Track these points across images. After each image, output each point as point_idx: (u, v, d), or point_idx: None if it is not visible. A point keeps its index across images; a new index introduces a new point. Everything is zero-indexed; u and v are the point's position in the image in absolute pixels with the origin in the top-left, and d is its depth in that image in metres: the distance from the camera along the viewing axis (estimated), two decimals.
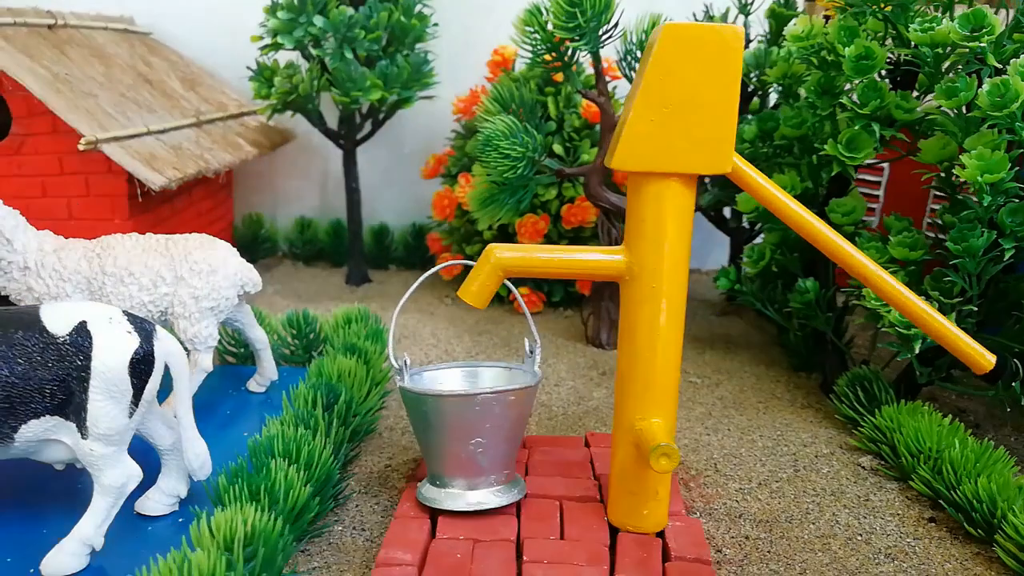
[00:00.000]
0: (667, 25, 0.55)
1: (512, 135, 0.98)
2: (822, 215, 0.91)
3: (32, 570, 0.59)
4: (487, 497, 0.67)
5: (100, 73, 1.19)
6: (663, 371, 0.62)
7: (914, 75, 0.85)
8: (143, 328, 0.61)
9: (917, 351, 0.77)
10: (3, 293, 0.81)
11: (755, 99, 1.21)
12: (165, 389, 0.70)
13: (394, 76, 1.26)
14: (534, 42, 1.00)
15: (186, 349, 0.81)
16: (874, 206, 1.20)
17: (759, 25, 1.23)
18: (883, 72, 0.86)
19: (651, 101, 0.56)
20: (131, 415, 0.60)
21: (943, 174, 0.81)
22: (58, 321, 0.59)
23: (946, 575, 0.63)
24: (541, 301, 1.28)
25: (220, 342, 0.98)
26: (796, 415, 0.92)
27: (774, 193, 0.54)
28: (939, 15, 0.76)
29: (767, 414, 0.92)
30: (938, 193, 1.04)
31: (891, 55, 0.85)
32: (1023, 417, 0.91)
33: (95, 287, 0.80)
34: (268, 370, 0.91)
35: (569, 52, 1.02)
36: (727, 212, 1.34)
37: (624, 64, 1.02)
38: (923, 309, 0.40)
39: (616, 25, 0.95)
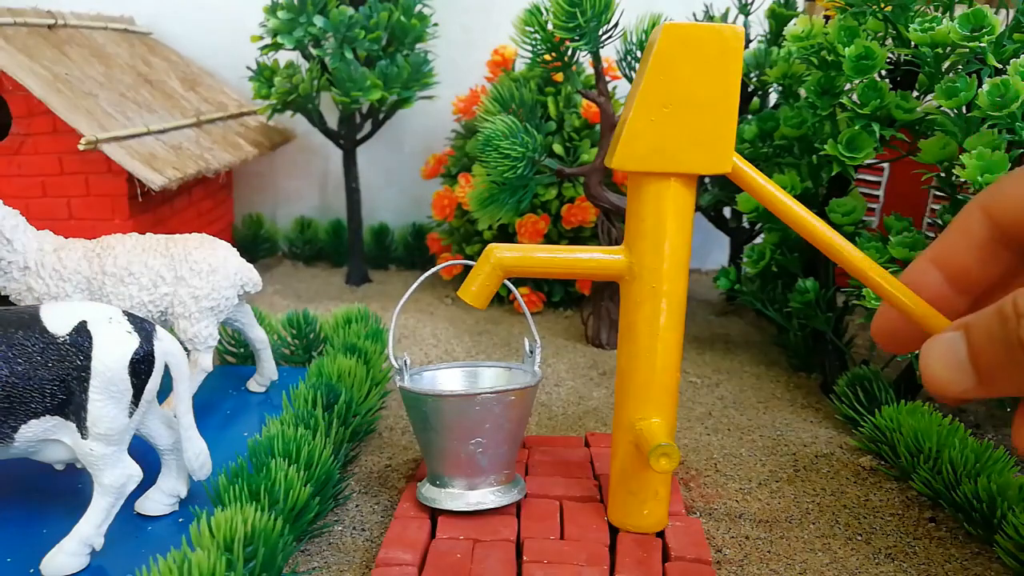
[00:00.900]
0: (667, 25, 0.55)
1: (512, 135, 0.98)
2: (822, 215, 0.91)
3: (32, 570, 0.59)
4: (487, 497, 0.67)
5: (100, 73, 1.19)
6: (663, 371, 0.62)
7: (914, 75, 0.85)
8: (143, 328, 0.61)
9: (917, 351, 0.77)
10: (3, 293, 0.81)
11: (755, 99, 1.21)
12: (165, 389, 0.70)
13: (394, 76, 1.26)
14: (534, 42, 1.00)
15: (186, 349, 0.81)
16: (874, 206, 1.20)
17: (759, 25, 1.23)
18: (883, 72, 0.86)
19: (651, 101, 0.56)
20: (131, 415, 0.60)
21: (943, 174, 0.81)
22: (58, 321, 0.59)
23: (946, 575, 0.63)
24: (541, 301, 1.28)
25: (220, 342, 0.98)
26: (796, 415, 0.92)
27: (774, 193, 0.54)
28: (939, 15, 0.76)
29: (767, 414, 0.92)
30: (938, 193, 1.04)
31: (891, 55, 0.85)
32: None
33: (95, 287, 0.80)
34: (268, 370, 0.91)
35: (569, 52, 1.02)
36: (727, 212, 1.34)
37: (624, 64, 1.02)
38: (928, 312, 0.40)
39: (616, 25, 0.95)
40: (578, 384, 1.00)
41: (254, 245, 1.54)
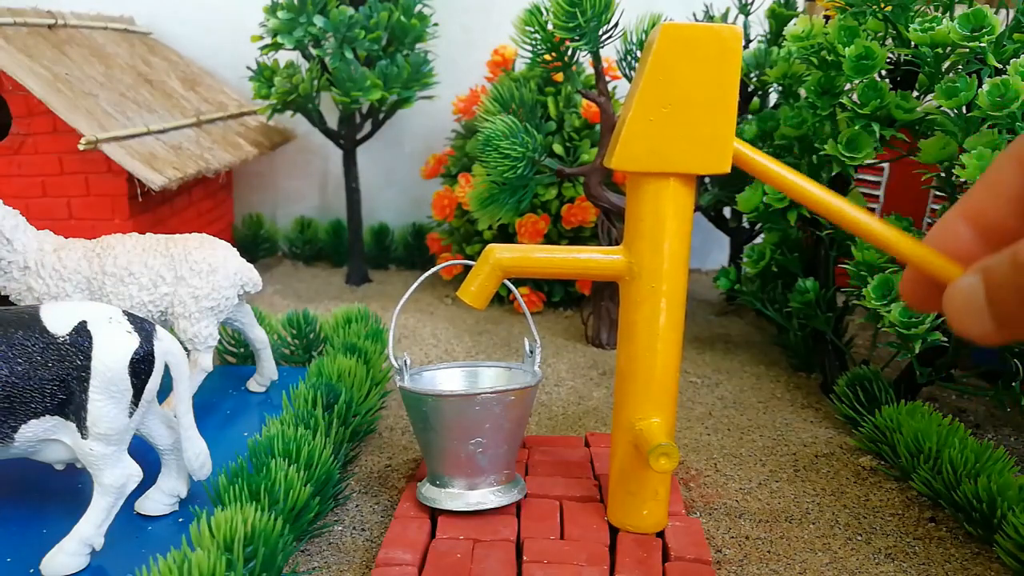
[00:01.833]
0: (666, 25, 0.55)
1: (512, 135, 0.98)
2: None
3: (32, 570, 0.59)
4: (487, 497, 0.67)
5: (100, 73, 1.19)
6: (663, 371, 0.62)
7: (914, 75, 0.85)
8: (143, 328, 0.61)
9: (917, 351, 0.77)
10: (3, 293, 0.81)
11: (755, 99, 1.21)
12: (165, 389, 0.70)
13: (394, 76, 1.26)
14: (534, 42, 1.00)
15: (186, 349, 0.81)
16: (874, 206, 1.20)
17: (759, 25, 1.23)
18: (883, 72, 0.86)
19: (650, 101, 0.56)
20: (131, 415, 0.60)
21: (943, 174, 0.81)
22: (58, 321, 0.59)
23: (946, 575, 0.63)
24: (541, 301, 1.28)
25: (220, 342, 0.98)
26: (796, 415, 0.92)
27: (781, 172, 0.53)
28: (939, 15, 0.76)
29: (767, 414, 0.92)
30: (938, 193, 1.04)
31: (891, 55, 0.85)
32: (1023, 417, 0.91)
33: (95, 287, 0.80)
34: (268, 370, 0.91)
35: (569, 52, 1.02)
36: (727, 212, 1.34)
37: (624, 64, 1.02)
38: (954, 269, 0.39)
39: (616, 25, 0.95)
40: (578, 384, 1.00)
41: (254, 245, 1.54)
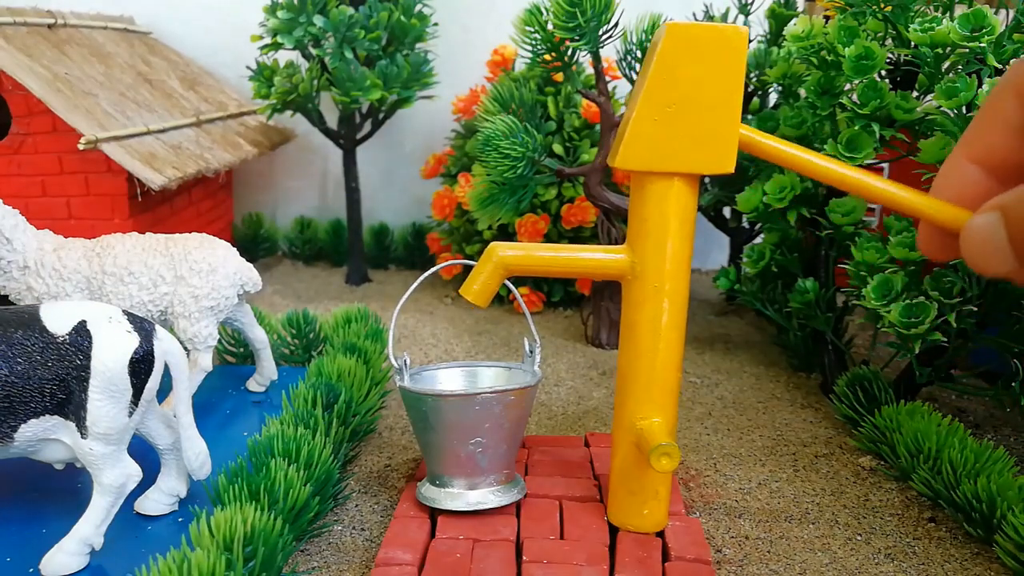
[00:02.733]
0: (670, 25, 0.55)
1: (512, 135, 0.98)
2: (822, 215, 0.91)
3: (32, 570, 0.59)
4: (487, 497, 0.67)
5: (100, 73, 1.19)
6: (664, 370, 0.62)
7: (914, 75, 0.85)
8: (143, 327, 0.61)
9: (917, 351, 0.77)
10: (3, 292, 0.81)
11: (755, 99, 1.21)
12: (165, 389, 0.69)
13: (394, 76, 1.26)
14: (534, 42, 1.00)
15: (186, 349, 0.81)
16: (874, 206, 1.20)
17: (759, 25, 1.23)
18: (883, 72, 0.86)
19: (654, 101, 0.56)
20: (131, 415, 0.60)
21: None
22: (58, 320, 0.59)
23: (946, 575, 0.63)
24: (541, 301, 1.28)
25: (220, 342, 0.98)
26: (796, 415, 0.92)
27: (787, 150, 0.54)
28: (939, 15, 0.76)
29: (767, 414, 0.92)
30: None
31: (891, 55, 0.85)
32: (1023, 417, 0.91)
33: (95, 286, 0.80)
34: (268, 370, 0.91)
35: (569, 52, 1.02)
36: (727, 212, 1.34)
37: (624, 64, 1.02)
38: (964, 216, 0.39)
39: (616, 25, 0.95)
40: (578, 384, 1.00)
41: (254, 245, 1.54)
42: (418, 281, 0.73)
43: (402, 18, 1.25)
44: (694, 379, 1.02)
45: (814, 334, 1.01)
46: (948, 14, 0.79)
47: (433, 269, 0.73)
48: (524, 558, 0.61)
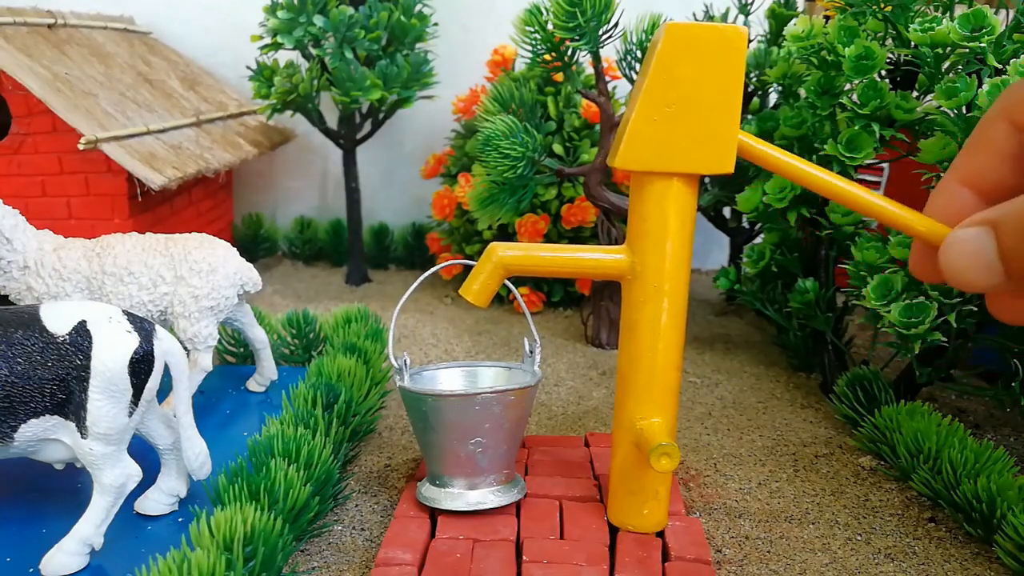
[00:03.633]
0: (670, 25, 0.55)
1: (512, 135, 0.98)
2: (822, 215, 0.91)
3: (32, 569, 0.59)
4: (487, 497, 0.67)
5: (100, 73, 1.19)
6: (664, 370, 0.62)
7: (914, 75, 0.85)
8: (143, 327, 0.61)
9: (917, 351, 0.77)
10: (3, 292, 0.81)
11: (755, 99, 1.21)
12: (165, 389, 0.70)
13: (394, 76, 1.26)
14: (534, 42, 1.00)
15: (186, 348, 0.81)
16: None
17: (759, 25, 1.23)
18: (883, 72, 0.86)
19: (654, 100, 0.56)
20: (131, 415, 0.60)
21: (943, 174, 0.81)
22: (58, 320, 0.59)
23: (946, 575, 0.63)
24: (541, 301, 1.28)
25: (220, 342, 0.98)
26: (796, 415, 0.92)
27: (784, 159, 0.54)
28: (939, 15, 0.76)
29: (767, 414, 0.92)
30: None
31: (891, 55, 0.85)
32: (1023, 417, 0.91)
33: (95, 286, 0.80)
34: (268, 370, 0.91)
35: (569, 52, 1.02)
36: (727, 212, 1.34)
37: (624, 64, 1.02)
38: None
39: (616, 25, 0.95)
40: (578, 384, 1.00)
41: (254, 245, 1.54)
42: (418, 281, 0.73)
43: (402, 18, 1.25)
44: (694, 379, 1.02)
45: (814, 334, 1.01)
46: (948, 14, 0.79)
47: (433, 269, 0.73)
48: (524, 558, 0.61)
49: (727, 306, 1.33)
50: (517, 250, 0.62)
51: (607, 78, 1.14)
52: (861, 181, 1.20)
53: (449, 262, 0.72)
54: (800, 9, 1.19)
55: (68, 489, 0.70)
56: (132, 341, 0.60)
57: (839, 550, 0.66)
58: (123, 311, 0.62)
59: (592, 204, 1.07)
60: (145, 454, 0.67)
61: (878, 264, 0.81)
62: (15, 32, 1.10)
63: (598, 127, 1.22)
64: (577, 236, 1.26)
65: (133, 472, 0.61)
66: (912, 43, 0.78)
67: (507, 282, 0.70)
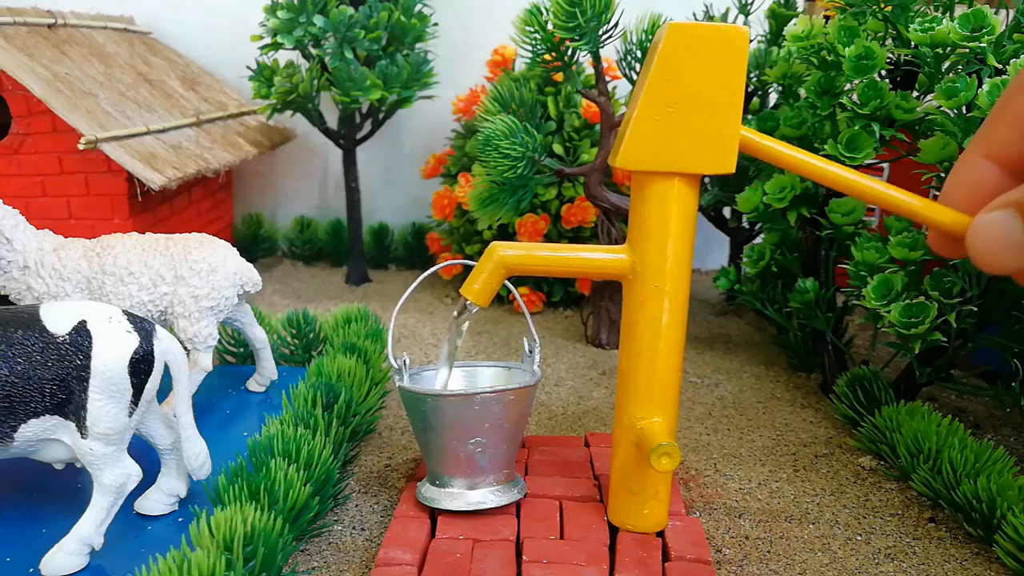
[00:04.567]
0: (671, 24, 0.55)
1: (512, 135, 0.98)
2: (822, 215, 0.91)
3: (31, 569, 0.59)
4: (487, 497, 0.67)
5: (100, 72, 1.19)
6: (664, 370, 0.62)
7: (914, 75, 0.85)
8: (143, 327, 0.61)
9: (917, 351, 0.77)
10: (3, 292, 0.81)
11: (755, 99, 1.21)
12: (165, 389, 0.70)
13: (394, 76, 1.26)
14: (534, 42, 1.00)
15: (186, 348, 0.81)
16: (874, 206, 1.20)
17: (759, 25, 1.23)
18: (883, 72, 0.86)
19: (655, 100, 0.56)
20: (131, 414, 0.60)
21: (943, 174, 0.81)
22: (58, 320, 0.59)
23: (946, 575, 0.63)
24: (541, 301, 1.28)
25: (220, 342, 0.98)
26: (796, 415, 0.92)
27: (788, 153, 0.54)
28: (939, 15, 0.76)
29: (767, 414, 0.92)
30: (938, 193, 1.04)
31: (891, 55, 0.85)
32: (1023, 417, 0.91)
33: (95, 286, 0.80)
34: (268, 370, 0.91)
35: (569, 52, 1.02)
36: (727, 212, 1.34)
37: (624, 64, 1.02)
38: (965, 220, 0.40)
39: (616, 25, 0.95)
40: (578, 384, 1.00)
41: (254, 245, 1.54)
42: (418, 281, 0.73)
43: (402, 18, 1.25)
44: (694, 379, 1.02)
45: (814, 334, 1.01)
46: (948, 14, 0.79)
47: (433, 269, 0.73)
48: (524, 558, 0.61)
49: (727, 306, 1.33)
50: (517, 250, 0.62)
51: (607, 78, 1.14)
52: None
53: (449, 262, 0.72)
54: (800, 9, 1.19)
55: (68, 489, 0.70)
56: (132, 341, 0.60)
57: (839, 550, 0.66)
58: (123, 311, 0.62)
59: (592, 204, 1.07)
60: (145, 454, 0.66)
61: (878, 264, 0.81)
62: (15, 32, 1.10)
63: (598, 127, 1.22)
64: (577, 236, 1.26)
65: (133, 472, 0.61)
66: (912, 43, 0.78)
67: (507, 282, 0.70)
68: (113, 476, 0.60)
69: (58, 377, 0.58)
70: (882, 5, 0.81)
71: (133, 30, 1.43)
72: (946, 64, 0.77)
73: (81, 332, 0.59)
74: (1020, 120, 0.37)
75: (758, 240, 1.23)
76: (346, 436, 0.76)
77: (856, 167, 0.84)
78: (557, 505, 0.68)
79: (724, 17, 1.21)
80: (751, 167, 1.07)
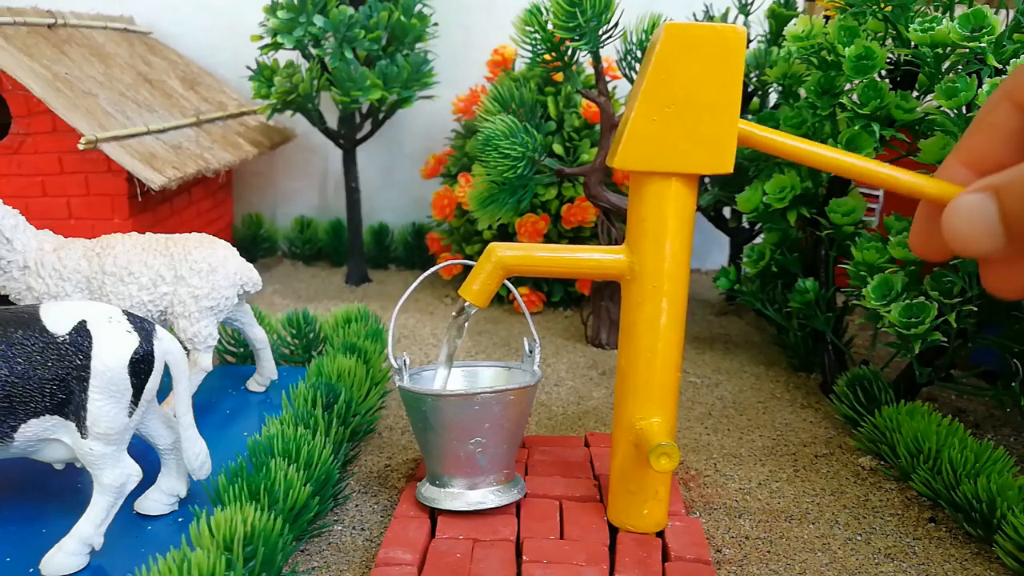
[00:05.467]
0: (669, 25, 0.55)
1: (512, 135, 0.98)
2: (822, 215, 0.91)
3: (31, 569, 0.59)
4: (487, 497, 0.67)
5: (100, 72, 1.19)
6: (663, 370, 0.62)
7: (914, 75, 0.85)
8: (143, 327, 0.61)
9: (917, 351, 0.77)
10: (3, 292, 0.81)
11: (755, 99, 1.21)
12: (165, 388, 0.70)
13: (394, 76, 1.26)
14: (534, 42, 1.00)
15: (186, 348, 0.81)
16: (874, 206, 1.20)
17: (759, 25, 1.23)
18: (883, 72, 0.86)
19: (653, 101, 0.56)
20: (131, 414, 0.60)
21: None
22: (58, 320, 0.59)
23: (946, 575, 0.63)
24: (541, 301, 1.28)
25: (220, 342, 0.98)
26: (796, 415, 0.92)
27: (787, 142, 0.54)
28: (939, 15, 0.76)
29: (767, 414, 0.92)
30: None
31: (891, 55, 0.85)
32: (1023, 417, 0.91)
33: (95, 286, 0.80)
34: (268, 369, 0.91)
35: (569, 52, 1.02)
36: (727, 212, 1.34)
37: (624, 64, 1.02)
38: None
39: (616, 25, 0.95)
40: (578, 384, 1.00)
41: (254, 245, 1.54)
42: (418, 281, 0.73)
43: (402, 18, 1.25)
44: (694, 379, 1.02)
45: (814, 334, 1.01)
46: (948, 14, 0.79)
47: (433, 269, 0.73)
48: (524, 558, 0.61)
49: (727, 306, 1.33)
50: (517, 250, 0.62)
51: (607, 78, 1.14)
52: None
53: (449, 262, 0.72)
54: (800, 9, 1.19)
55: (68, 489, 0.70)
56: (132, 341, 0.60)
57: (839, 550, 0.66)
58: (123, 311, 0.62)
59: (592, 204, 1.07)
60: (145, 454, 0.67)
61: (878, 264, 0.81)
62: (15, 32, 1.10)
63: (598, 127, 1.22)
64: (577, 236, 1.26)
65: (133, 472, 0.61)
66: (912, 43, 0.78)
67: (507, 282, 0.70)
68: (113, 476, 0.60)
69: (58, 377, 0.58)
70: (882, 5, 0.81)
71: (133, 30, 1.43)
72: (946, 64, 0.77)
73: (81, 332, 0.59)
74: (997, 129, 0.37)
75: (758, 240, 1.23)
76: (346, 436, 0.76)
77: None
78: (557, 505, 0.68)
79: (724, 17, 1.21)
80: (751, 167, 1.07)
